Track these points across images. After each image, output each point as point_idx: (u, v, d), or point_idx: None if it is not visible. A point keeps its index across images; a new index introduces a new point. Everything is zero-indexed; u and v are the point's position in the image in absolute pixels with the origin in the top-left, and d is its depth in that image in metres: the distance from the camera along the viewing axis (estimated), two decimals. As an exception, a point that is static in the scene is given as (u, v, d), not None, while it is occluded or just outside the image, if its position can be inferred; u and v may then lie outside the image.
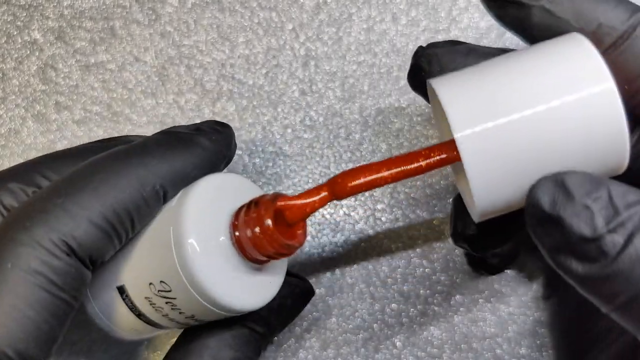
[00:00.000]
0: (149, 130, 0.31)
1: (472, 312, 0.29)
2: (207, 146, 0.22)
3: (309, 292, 0.25)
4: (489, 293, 0.29)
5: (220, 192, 0.21)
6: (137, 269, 0.21)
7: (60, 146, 0.31)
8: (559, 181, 0.17)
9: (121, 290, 0.21)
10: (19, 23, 0.31)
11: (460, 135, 0.17)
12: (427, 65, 0.22)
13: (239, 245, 0.20)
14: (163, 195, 0.20)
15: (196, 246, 0.19)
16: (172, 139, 0.21)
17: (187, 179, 0.21)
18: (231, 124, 0.31)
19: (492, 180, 0.18)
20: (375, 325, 0.29)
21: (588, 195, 0.16)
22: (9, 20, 0.31)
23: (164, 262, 0.20)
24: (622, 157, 0.18)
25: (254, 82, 0.31)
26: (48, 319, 0.17)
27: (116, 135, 0.31)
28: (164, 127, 0.31)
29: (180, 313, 0.20)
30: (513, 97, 0.18)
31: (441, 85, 0.19)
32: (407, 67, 0.31)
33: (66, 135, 0.31)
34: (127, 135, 0.25)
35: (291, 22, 0.32)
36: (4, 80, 0.31)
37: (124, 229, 0.19)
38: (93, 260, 0.18)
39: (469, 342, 0.29)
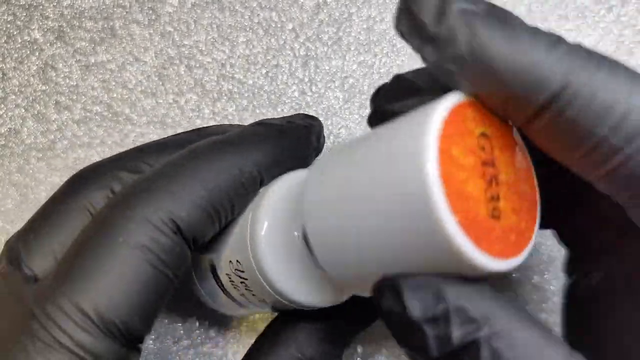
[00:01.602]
0: (149, 130, 0.31)
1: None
2: (299, 137, 0.23)
3: None
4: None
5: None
6: (224, 246, 0.21)
7: (61, 146, 0.31)
8: (395, 290, 0.15)
9: (212, 265, 0.22)
10: (19, 23, 0.31)
11: (305, 214, 0.18)
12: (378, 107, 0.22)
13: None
14: (260, 182, 0.21)
15: (268, 231, 0.20)
16: (268, 129, 0.22)
17: (281, 168, 0.22)
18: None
19: (335, 260, 0.17)
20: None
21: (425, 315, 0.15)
22: (9, 20, 0.31)
23: (241, 241, 0.20)
24: (460, 261, 0.14)
25: (254, 82, 0.31)
26: (152, 294, 0.17)
27: (116, 134, 0.31)
28: (164, 127, 0.31)
29: (253, 295, 0.21)
30: (343, 184, 0.16)
31: (314, 164, 0.19)
32: (407, 67, 0.31)
33: (66, 135, 0.31)
34: (222, 125, 0.26)
35: (291, 22, 0.32)
36: (4, 80, 0.31)
37: (224, 212, 0.20)
38: (195, 240, 0.19)
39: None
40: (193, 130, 0.25)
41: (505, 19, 0.14)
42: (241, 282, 0.21)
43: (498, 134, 0.15)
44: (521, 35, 0.14)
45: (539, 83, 0.14)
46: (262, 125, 0.23)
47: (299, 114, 0.25)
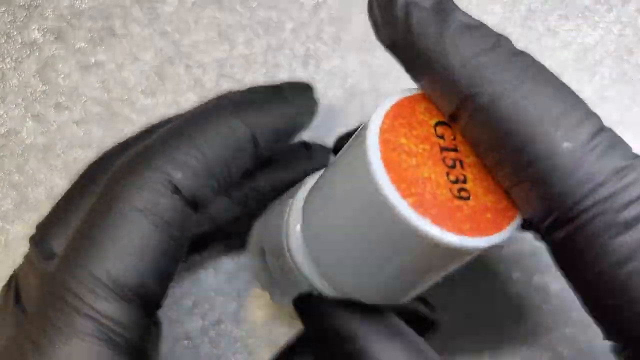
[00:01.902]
0: (148, 130, 0.31)
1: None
2: (288, 98, 0.24)
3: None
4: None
5: None
6: (266, 229, 0.22)
7: (60, 146, 0.31)
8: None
9: (261, 248, 0.22)
10: (18, 23, 0.31)
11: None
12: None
13: None
14: (255, 143, 0.21)
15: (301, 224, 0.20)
16: (256, 94, 0.23)
17: (275, 129, 0.22)
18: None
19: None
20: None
21: None
22: (8, 20, 0.31)
23: (279, 227, 0.20)
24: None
25: (253, 82, 0.31)
26: (161, 255, 0.18)
27: (116, 134, 0.31)
28: (164, 127, 0.31)
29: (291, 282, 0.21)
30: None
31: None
32: (407, 67, 0.31)
33: (66, 135, 0.31)
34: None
35: (291, 21, 0.32)
36: (4, 80, 0.31)
37: (221, 173, 0.20)
38: (196, 202, 0.19)
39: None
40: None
41: (445, 16, 0.15)
42: (280, 269, 0.21)
43: None
44: (448, 37, 0.15)
45: (450, 87, 0.15)
46: (250, 92, 0.24)
47: (287, 82, 0.26)
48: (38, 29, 0.31)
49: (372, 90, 0.31)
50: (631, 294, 0.14)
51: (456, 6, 0.16)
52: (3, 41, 0.31)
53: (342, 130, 0.31)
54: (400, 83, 0.31)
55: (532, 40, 0.31)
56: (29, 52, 0.31)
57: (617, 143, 0.15)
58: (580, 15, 0.31)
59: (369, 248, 0.16)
